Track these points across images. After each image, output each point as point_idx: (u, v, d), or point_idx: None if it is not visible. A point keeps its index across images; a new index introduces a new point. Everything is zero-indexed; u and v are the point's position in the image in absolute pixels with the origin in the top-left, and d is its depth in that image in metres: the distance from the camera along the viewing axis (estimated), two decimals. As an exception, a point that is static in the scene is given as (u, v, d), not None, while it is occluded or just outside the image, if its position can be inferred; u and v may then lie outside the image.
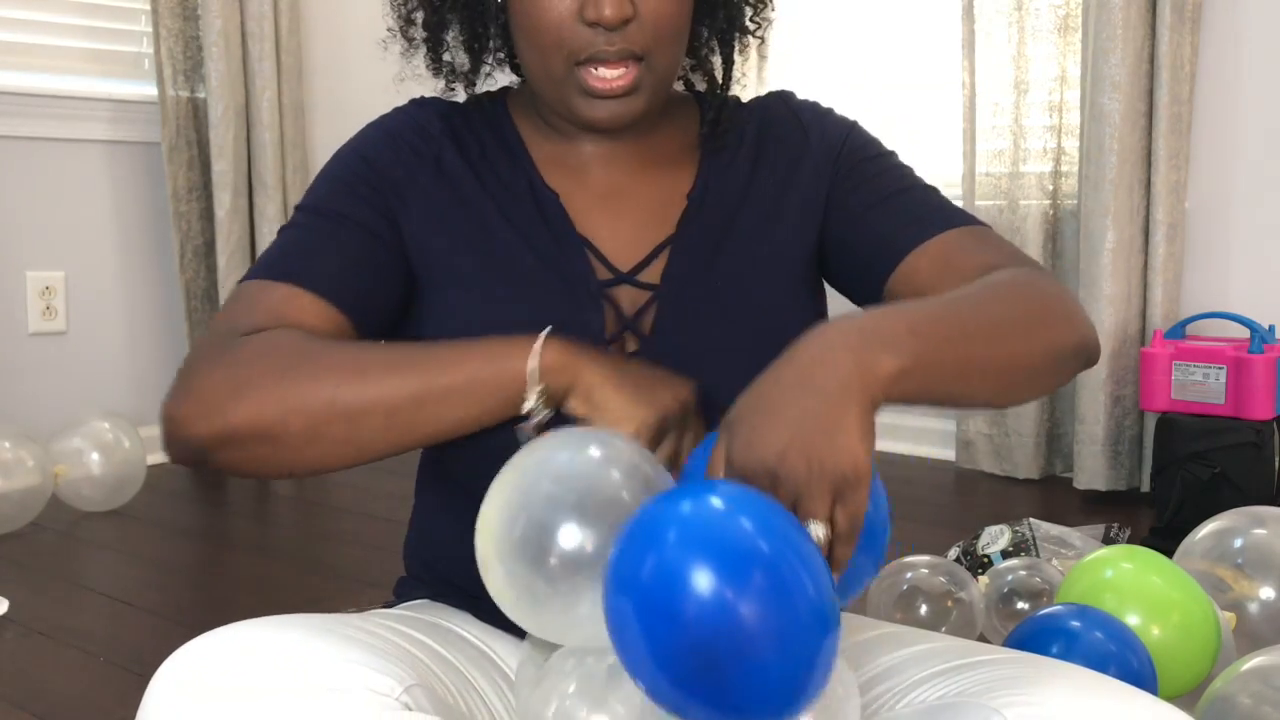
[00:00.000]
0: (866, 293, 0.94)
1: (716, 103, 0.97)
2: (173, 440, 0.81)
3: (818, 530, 0.65)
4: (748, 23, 0.98)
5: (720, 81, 0.98)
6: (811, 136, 0.98)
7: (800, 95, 1.03)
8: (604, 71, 0.86)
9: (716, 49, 0.98)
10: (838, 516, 0.65)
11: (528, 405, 0.79)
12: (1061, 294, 0.83)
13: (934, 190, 0.96)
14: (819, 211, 0.95)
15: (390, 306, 0.91)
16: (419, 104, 0.98)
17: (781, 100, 1.02)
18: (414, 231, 0.92)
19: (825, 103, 1.03)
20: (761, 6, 0.98)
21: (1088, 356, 0.83)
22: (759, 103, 1.01)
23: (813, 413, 0.66)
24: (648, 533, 0.62)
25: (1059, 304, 0.81)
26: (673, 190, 0.95)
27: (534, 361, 0.79)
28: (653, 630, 0.59)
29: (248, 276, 0.89)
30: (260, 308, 0.85)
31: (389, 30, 0.99)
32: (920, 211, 0.93)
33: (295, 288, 0.86)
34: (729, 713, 0.60)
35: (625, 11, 0.83)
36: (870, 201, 0.94)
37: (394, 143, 0.94)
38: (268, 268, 0.88)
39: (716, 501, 0.62)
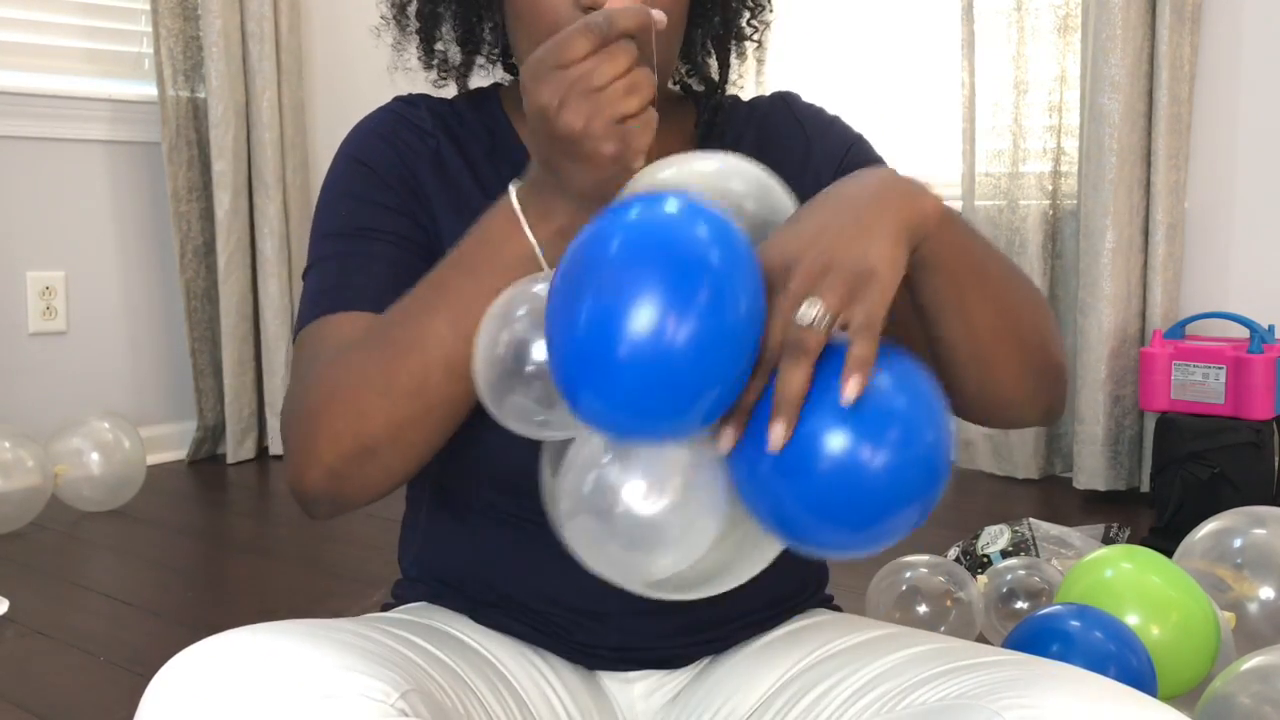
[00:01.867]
0: None
1: (712, 104, 0.96)
2: (303, 502, 0.84)
3: (813, 309, 0.63)
4: (745, 26, 0.97)
5: (717, 84, 0.97)
6: (814, 146, 0.96)
7: (804, 97, 1.02)
8: None
9: (712, 52, 0.98)
10: (854, 312, 0.64)
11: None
12: (1057, 324, 0.86)
13: None
14: None
15: None
16: (407, 101, 0.95)
17: (784, 102, 1.00)
18: (426, 224, 0.90)
19: (825, 101, 1.02)
20: (759, 10, 0.98)
21: (1058, 393, 0.85)
22: (760, 103, 1.00)
23: (845, 219, 0.67)
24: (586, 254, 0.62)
25: (1055, 321, 0.85)
26: None
27: (531, 239, 0.75)
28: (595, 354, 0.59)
29: (299, 325, 0.88)
30: (322, 348, 0.84)
31: (381, 19, 0.98)
32: None
33: (348, 313, 0.85)
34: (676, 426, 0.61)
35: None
36: None
37: (389, 142, 0.92)
38: (314, 305, 0.87)
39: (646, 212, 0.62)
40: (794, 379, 0.62)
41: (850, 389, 0.61)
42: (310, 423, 0.80)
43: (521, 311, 0.69)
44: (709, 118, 0.96)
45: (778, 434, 0.62)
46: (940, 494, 0.65)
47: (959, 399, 0.81)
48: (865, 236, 0.66)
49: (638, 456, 0.65)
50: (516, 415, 0.70)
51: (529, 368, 0.67)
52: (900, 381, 0.63)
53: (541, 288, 0.69)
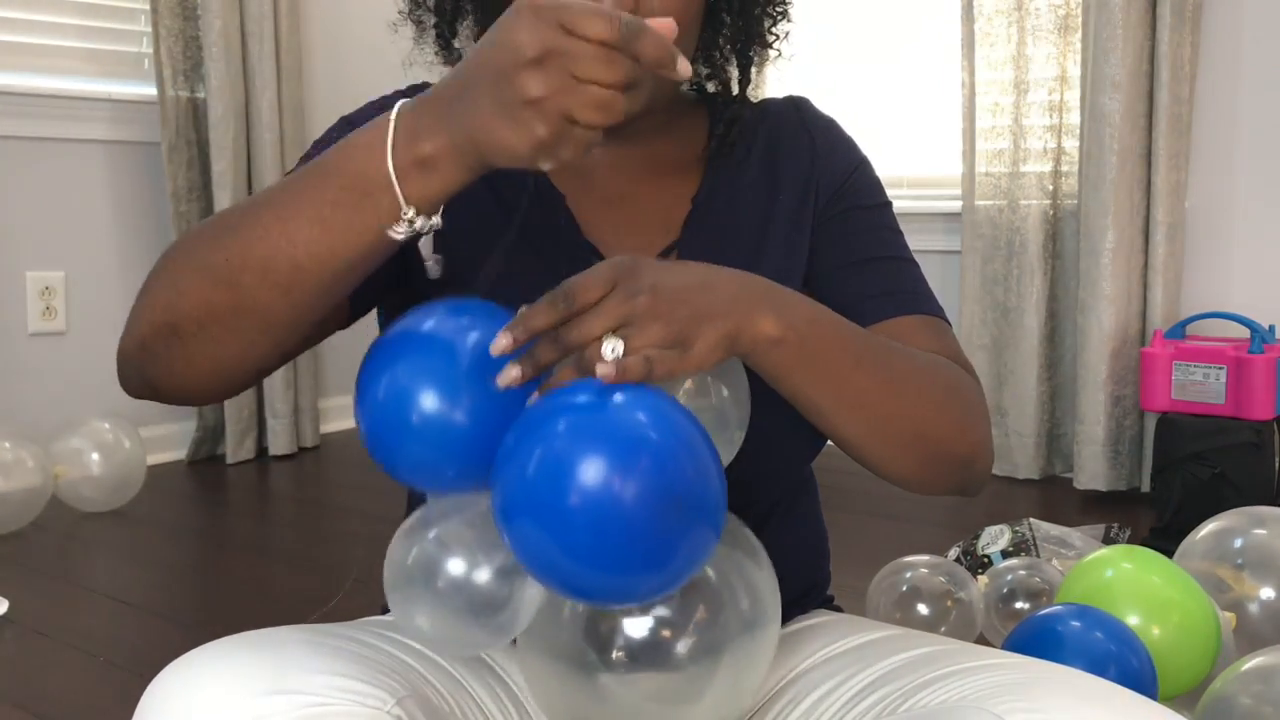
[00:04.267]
0: None
1: (729, 115, 0.95)
2: (119, 369, 0.81)
3: (618, 343, 0.66)
4: (766, 34, 0.96)
5: (735, 92, 0.97)
6: (820, 161, 0.96)
7: (817, 105, 1.01)
8: None
9: (732, 59, 0.97)
10: (646, 361, 0.65)
11: (401, 230, 0.68)
12: (977, 412, 0.85)
13: (912, 264, 0.95)
14: (811, 235, 0.95)
15: (384, 273, 0.87)
16: (419, 88, 0.94)
17: (796, 109, 0.99)
18: None
19: (825, 101, 1.02)
20: (780, 18, 0.97)
21: (965, 476, 0.85)
22: (771, 106, 1.00)
23: (695, 303, 0.69)
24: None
25: (966, 413, 0.84)
26: (678, 196, 0.94)
27: (389, 159, 0.67)
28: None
29: None
30: None
31: (399, 13, 0.98)
32: (891, 286, 0.92)
33: None
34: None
35: (627, 2, 0.82)
36: (848, 259, 0.93)
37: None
38: None
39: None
40: (561, 376, 0.66)
41: (603, 369, 0.64)
42: (142, 289, 0.77)
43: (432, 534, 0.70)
44: (723, 130, 0.95)
45: (511, 374, 0.66)
46: (713, 533, 0.64)
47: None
48: (696, 325, 0.68)
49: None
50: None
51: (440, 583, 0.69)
52: (656, 417, 0.63)
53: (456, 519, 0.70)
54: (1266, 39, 2.45)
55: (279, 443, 3.02)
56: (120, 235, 2.94)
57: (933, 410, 0.81)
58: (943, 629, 1.54)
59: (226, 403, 2.95)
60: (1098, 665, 1.15)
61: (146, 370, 0.77)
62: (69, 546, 2.31)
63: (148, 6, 2.87)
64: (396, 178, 0.67)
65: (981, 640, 1.56)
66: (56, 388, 2.81)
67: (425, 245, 0.73)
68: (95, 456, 2.45)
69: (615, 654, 0.68)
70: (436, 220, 0.70)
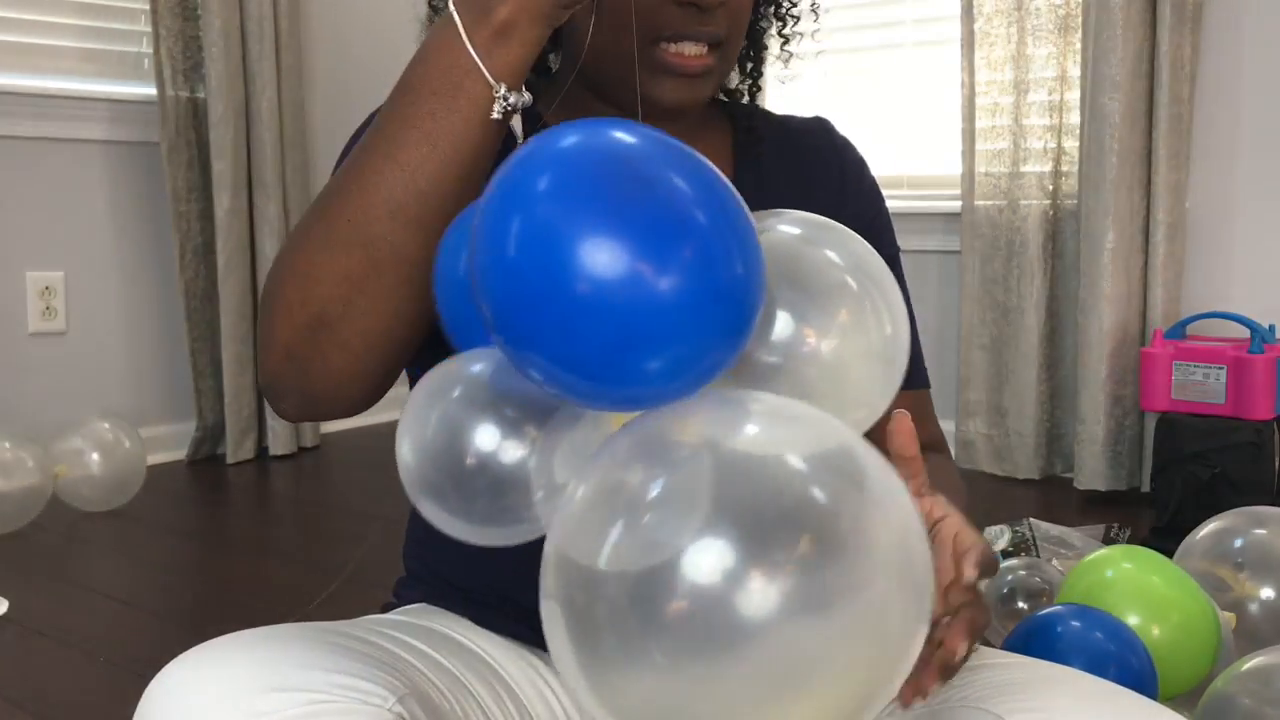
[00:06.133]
0: None
1: (747, 112, 0.98)
2: (271, 399, 0.77)
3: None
4: (779, 36, 1.00)
5: (747, 83, 1.00)
6: (849, 187, 0.98)
7: (816, 105, 1.04)
8: (686, 47, 0.84)
9: (749, 60, 1.01)
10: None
11: (496, 110, 0.69)
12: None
13: (912, 318, 0.97)
14: None
15: None
16: None
17: (824, 129, 1.02)
18: None
19: (826, 100, 1.03)
20: (794, 20, 1.00)
21: None
22: (795, 121, 1.01)
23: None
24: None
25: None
26: None
27: (467, 42, 0.68)
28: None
29: None
30: None
31: (431, 7, 0.99)
32: None
33: None
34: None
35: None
36: None
37: None
38: None
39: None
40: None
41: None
42: (267, 303, 0.74)
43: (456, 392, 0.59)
44: (747, 124, 0.97)
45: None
46: (742, 345, 0.52)
47: None
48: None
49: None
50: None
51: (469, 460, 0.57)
52: (705, 195, 0.49)
53: (480, 367, 0.59)
54: (1266, 39, 2.45)
55: (279, 442, 3.02)
56: (120, 235, 2.94)
57: None
58: (943, 629, 1.54)
59: (226, 402, 2.95)
60: (1098, 665, 1.15)
61: (305, 381, 0.73)
62: (69, 546, 2.31)
63: (148, 6, 2.87)
64: (479, 57, 0.68)
65: (981, 640, 1.56)
66: (56, 388, 2.81)
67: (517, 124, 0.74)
68: (95, 456, 2.45)
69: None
70: (527, 96, 0.70)
